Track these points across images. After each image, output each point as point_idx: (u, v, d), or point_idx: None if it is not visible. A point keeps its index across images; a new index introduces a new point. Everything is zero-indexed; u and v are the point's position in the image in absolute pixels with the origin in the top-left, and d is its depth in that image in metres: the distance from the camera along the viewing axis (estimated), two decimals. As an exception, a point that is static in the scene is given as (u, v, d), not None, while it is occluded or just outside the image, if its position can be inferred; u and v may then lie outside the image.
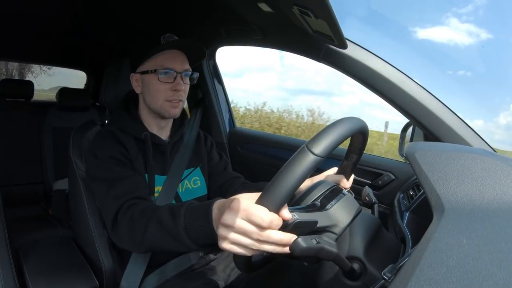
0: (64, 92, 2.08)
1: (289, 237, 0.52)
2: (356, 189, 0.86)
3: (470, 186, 0.47)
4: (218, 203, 0.62)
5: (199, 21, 1.44)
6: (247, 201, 0.52)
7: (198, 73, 1.01)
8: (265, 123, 6.87)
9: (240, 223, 0.51)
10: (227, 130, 1.81)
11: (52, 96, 2.36)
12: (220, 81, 1.79)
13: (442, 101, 0.98)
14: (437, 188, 0.49)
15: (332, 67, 1.10)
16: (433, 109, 0.97)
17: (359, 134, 0.67)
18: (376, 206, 0.79)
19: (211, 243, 0.61)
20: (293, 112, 7.50)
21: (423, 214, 0.79)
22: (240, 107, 7.27)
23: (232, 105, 1.91)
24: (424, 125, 0.99)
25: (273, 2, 0.97)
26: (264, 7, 1.01)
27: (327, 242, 0.56)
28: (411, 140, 1.16)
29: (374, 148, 5.84)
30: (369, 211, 0.79)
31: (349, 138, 0.65)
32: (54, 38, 1.86)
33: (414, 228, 0.80)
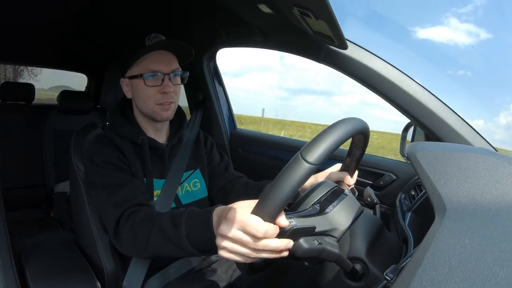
0: (65, 95, 2.08)
1: (286, 244, 0.53)
2: (357, 189, 0.86)
3: (472, 185, 0.47)
4: (217, 211, 0.63)
5: (199, 23, 1.44)
6: (243, 211, 0.53)
7: (188, 72, 0.99)
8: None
9: (236, 233, 0.52)
10: (228, 131, 1.81)
11: (49, 96, 2.36)
12: (221, 83, 1.79)
13: (443, 101, 0.98)
14: (439, 188, 0.49)
15: (333, 67, 1.10)
16: (434, 109, 0.97)
17: (359, 134, 0.67)
18: (377, 206, 0.79)
19: (213, 248, 0.62)
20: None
21: (425, 214, 0.79)
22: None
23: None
24: (425, 125, 0.99)
25: (273, 3, 0.97)
26: (264, 8, 1.01)
27: (329, 243, 0.56)
28: (412, 140, 1.16)
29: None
30: (371, 211, 0.79)
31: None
32: (55, 41, 1.87)
33: (416, 228, 0.80)
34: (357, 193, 0.81)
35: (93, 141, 0.97)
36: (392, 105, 1.03)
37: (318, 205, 0.65)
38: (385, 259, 0.62)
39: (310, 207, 0.64)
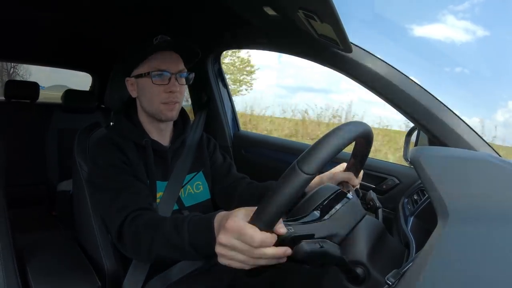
0: (69, 94, 2.09)
1: (283, 251, 0.54)
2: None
3: (475, 191, 0.47)
4: (218, 217, 0.64)
5: (204, 24, 1.45)
6: (240, 220, 0.54)
7: (193, 74, 1.00)
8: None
9: (233, 242, 0.53)
10: (232, 133, 1.81)
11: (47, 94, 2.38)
12: (225, 84, 1.79)
13: (447, 105, 0.98)
14: (442, 193, 0.48)
15: (337, 71, 1.10)
16: (438, 113, 0.97)
17: (360, 139, 0.67)
18: (380, 210, 0.79)
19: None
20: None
21: (428, 219, 0.78)
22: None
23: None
24: (429, 130, 0.99)
25: (278, 6, 0.97)
26: (269, 10, 1.01)
27: (331, 246, 0.56)
28: (416, 144, 1.15)
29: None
30: (373, 215, 0.79)
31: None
32: (61, 40, 1.88)
33: (418, 233, 0.79)
34: (361, 194, 0.81)
35: (96, 142, 0.98)
36: (396, 108, 1.02)
37: (319, 210, 0.64)
38: (387, 263, 0.61)
39: (310, 213, 0.64)
